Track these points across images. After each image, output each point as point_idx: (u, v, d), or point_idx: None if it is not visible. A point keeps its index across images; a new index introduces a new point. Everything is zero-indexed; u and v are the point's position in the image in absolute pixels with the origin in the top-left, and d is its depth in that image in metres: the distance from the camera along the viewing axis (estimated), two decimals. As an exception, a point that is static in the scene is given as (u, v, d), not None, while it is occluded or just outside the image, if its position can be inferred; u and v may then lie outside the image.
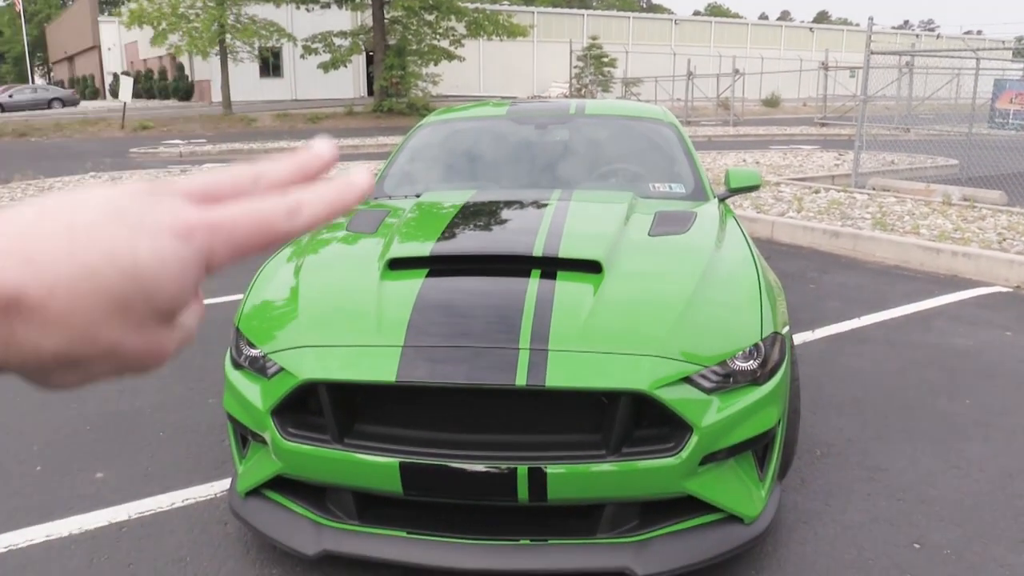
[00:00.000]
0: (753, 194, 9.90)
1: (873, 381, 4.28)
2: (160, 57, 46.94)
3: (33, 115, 33.95)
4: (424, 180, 4.09)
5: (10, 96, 39.45)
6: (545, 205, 3.33)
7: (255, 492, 2.69)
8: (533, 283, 2.60)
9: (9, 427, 3.88)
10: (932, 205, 9.14)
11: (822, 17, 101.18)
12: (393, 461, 2.33)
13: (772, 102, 38.14)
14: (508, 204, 3.46)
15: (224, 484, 3.26)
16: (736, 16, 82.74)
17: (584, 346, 2.36)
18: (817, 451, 3.46)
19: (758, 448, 2.55)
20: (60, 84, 60.53)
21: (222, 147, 19.23)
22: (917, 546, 2.77)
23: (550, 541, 2.39)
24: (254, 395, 2.57)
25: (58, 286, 0.36)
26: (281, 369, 2.50)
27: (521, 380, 2.26)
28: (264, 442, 2.57)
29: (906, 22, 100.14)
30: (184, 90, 44.76)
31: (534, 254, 2.72)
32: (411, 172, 4.18)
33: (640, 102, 6.38)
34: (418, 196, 3.76)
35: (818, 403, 3.95)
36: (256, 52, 32.52)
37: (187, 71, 44.58)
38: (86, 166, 14.44)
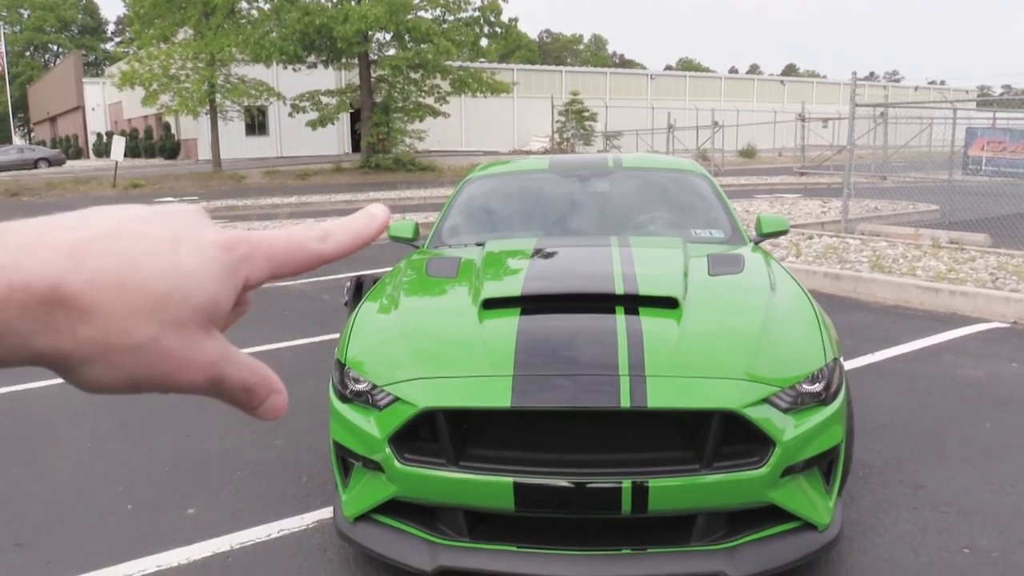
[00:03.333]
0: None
1: (897, 409, 4.59)
2: (146, 117, 47.41)
3: (20, 175, 34.10)
4: (479, 229, 4.40)
5: (-5, 157, 39.64)
6: (608, 248, 3.65)
7: (363, 517, 2.93)
8: (620, 318, 2.89)
9: (90, 472, 4.08)
10: (922, 248, 9.58)
11: (790, 70, 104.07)
12: (508, 480, 2.59)
13: (749, 153, 39.14)
14: (573, 249, 3.78)
15: (313, 516, 3.48)
16: (707, 70, 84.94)
17: (677, 372, 2.65)
18: (860, 472, 3.74)
19: (823, 464, 2.84)
20: (42, 144, 60.69)
21: (216, 204, 19.48)
22: (967, 551, 3.05)
23: (649, 550, 2.65)
24: (368, 425, 2.81)
25: (97, 279, 0.37)
26: (396, 400, 2.76)
27: (625, 402, 2.54)
28: (376, 468, 2.81)
29: (872, 73, 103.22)
30: (171, 149, 45.15)
31: (616, 292, 3.03)
32: (466, 223, 4.49)
33: (670, 156, 6.76)
34: (479, 244, 4.06)
35: (854, 437, 4.24)
36: (244, 111, 33.09)
37: (173, 130, 45.02)
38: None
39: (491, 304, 3.05)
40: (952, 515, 3.34)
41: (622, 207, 4.50)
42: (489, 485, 2.61)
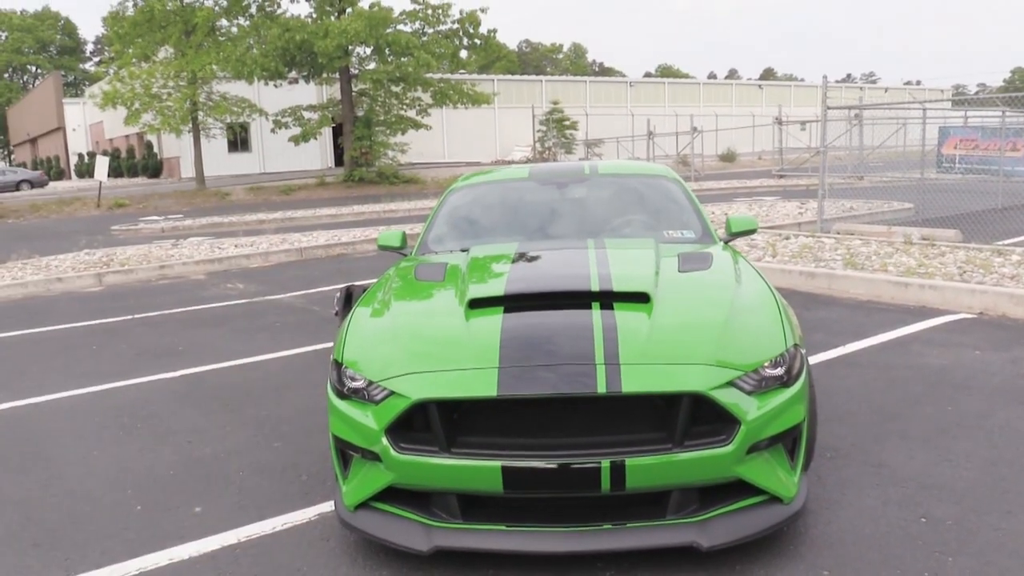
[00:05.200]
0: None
1: (864, 396, 4.85)
2: (127, 136, 47.46)
3: (3, 197, 34.11)
4: (464, 236, 4.63)
5: (-23, 180, 39.57)
6: (585, 250, 3.89)
7: (363, 505, 3.14)
8: (596, 313, 3.13)
9: (98, 477, 4.26)
10: (895, 245, 9.89)
11: (768, 74, 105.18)
12: (496, 464, 2.81)
13: (728, 157, 39.64)
14: (553, 252, 4.02)
15: (315, 510, 3.69)
16: (686, 76, 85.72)
17: (649, 359, 2.89)
18: (827, 454, 3.99)
19: (787, 441, 3.08)
20: (23, 166, 60.50)
21: (201, 221, 19.64)
22: (924, 520, 3.29)
23: (628, 525, 2.88)
24: (365, 418, 3.03)
25: None
26: (391, 394, 2.98)
27: (602, 388, 2.78)
28: (375, 458, 3.03)
29: (848, 75, 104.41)
30: (153, 167, 45.20)
31: (592, 289, 3.26)
32: (450, 230, 4.73)
33: (644, 162, 6.97)
34: (464, 251, 4.30)
35: (820, 416, 4.49)
36: (226, 128, 33.23)
37: (156, 149, 45.08)
38: (80, 243, 14.78)
39: (476, 304, 3.28)
40: (912, 489, 3.58)
41: (598, 212, 4.75)
42: (479, 469, 2.83)
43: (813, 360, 5.65)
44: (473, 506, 3.00)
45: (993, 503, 3.42)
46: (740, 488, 2.96)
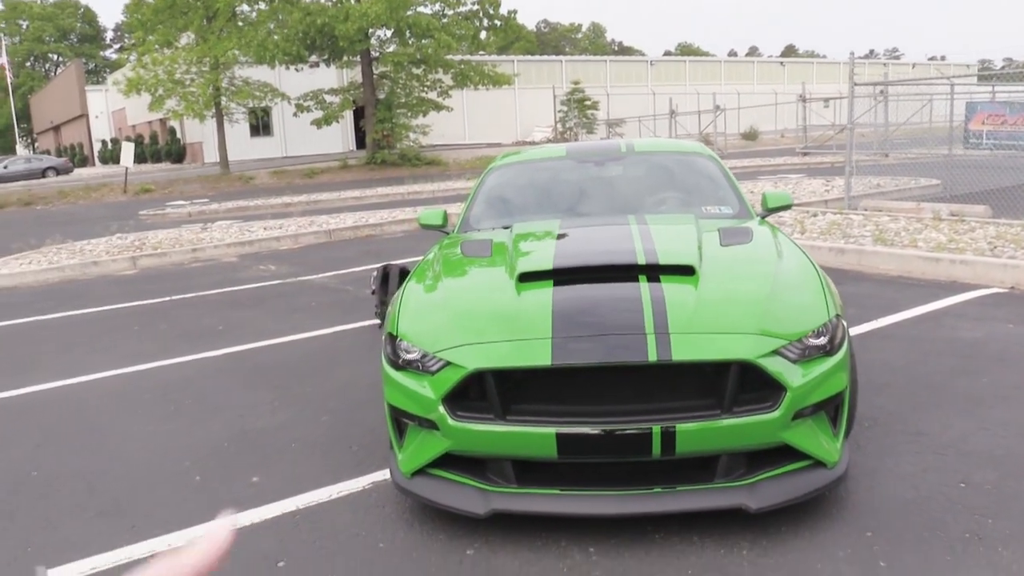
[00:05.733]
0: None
1: (900, 369, 4.91)
2: (150, 122, 47.84)
3: (30, 184, 34.55)
4: (505, 214, 4.73)
5: (4, 167, 40.08)
6: (627, 226, 3.98)
7: (419, 472, 3.27)
8: (644, 286, 3.23)
9: (155, 450, 4.43)
10: (924, 221, 9.87)
11: (790, 51, 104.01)
12: (551, 431, 2.92)
13: (751, 135, 39.35)
14: (596, 227, 4.12)
15: (366, 480, 3.82)
16: (706, 54, 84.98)
17: (697, 329, 2.99)
18: (865, 423, 4.07)
19: (830, 408, 3.17)
20: (47, 153, 61.16)
21: (227, 205, 19.87)
22: (963, 485, 3.38)
23: (678, 488, 2.99)
24: (422, 388, 3.15)
25: None
26: (447, 364, 3.10)
27: (652, 357, 2.88)
28: (431, 426, 3.15)
29: (872, 51, 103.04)
30: (176, 153, 45.57)
31: (639, 263, 3.36)
32: (491, 209, 4.83)
33: (679, 139, 6.94)
34: (506, 228, 4.40)
35: (857, 388, 4.57)
36: (248, 112, 33.43)
37: (179, 134, 45.43)
38: (111, 228, 15.02)
39: (526, 278, 3.39)
40: (951, 456, 3.66)
41: (636, 189, 4.83)
42: (534, 436, 2.95)
43: (846, 334, 5.72)
44: (527, 471, 3.12)
45: (1032, 469, 3.50)
46: (786, 453, 3.06)
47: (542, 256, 3.62)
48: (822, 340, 3.12)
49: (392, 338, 3.40)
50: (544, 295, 3.24)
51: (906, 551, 2.92)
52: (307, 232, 13.31)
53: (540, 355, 2.95)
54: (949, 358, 5.08)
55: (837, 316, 3.26)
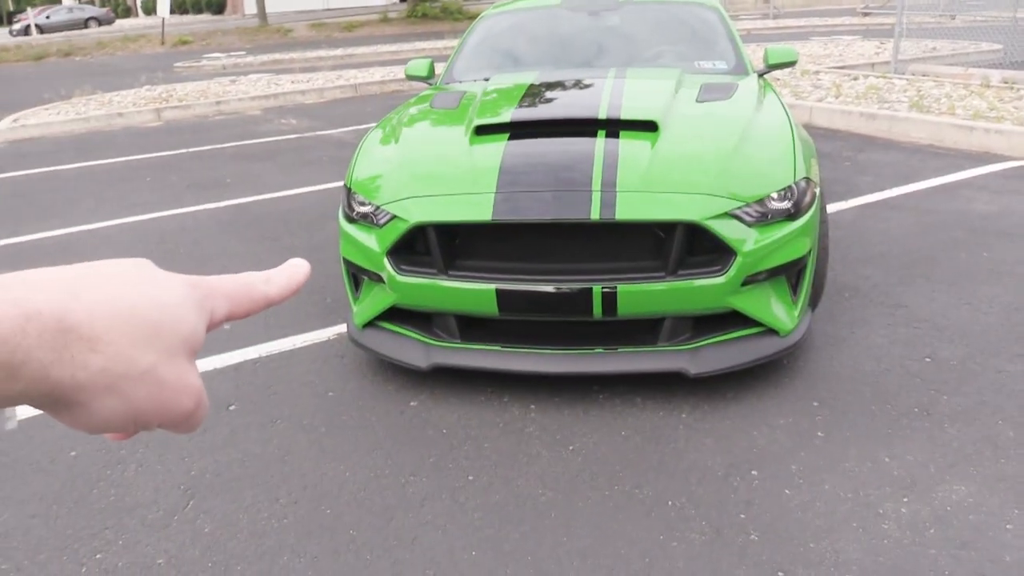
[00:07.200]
0: (792, 82, 10.12)
1: (899, 240, 4.72)
2: (190, -30, 46.70)
3: (71, 35, 34.36)
4: (490, 66, 4.52)
5: (47, 17, 39.79)
6: (603, 80, 3.77)
7: (371, 324, 3.27)
8: (600, 141, 3.07)
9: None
10: (970, 88, 9.28)
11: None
12: (490, 287, 2.87)
13: (814, -7, 36.99)
14: (570, 81, 3.90)
15: (331, 331, 3.85)
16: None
17: (646, 187, 2.85)
18: (845, 293, 3.94)
19: (791, 275, 3.04)
20: (91, 3, 60.46)
21: (263, 58, 19.53)
22: (928, 360, 3.28)
23: (620, 349, 2.94)
24: (370, 241, 3.10)
25: (95, 310, 0.40)
26: (393, 217, 3.03)
27: (595, 215, 2.77)
28: (380, 280, 3.12)
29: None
30: (217, 4, 44.70)
31: (599, 117, 3.19)
32: (477, 60, 4.61)
33: None
34: (486, 79, 4.21)
35: (848, 259, 4.42)
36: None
37: (219, -16, 44.37)
38: (140, 80, 14.94)
39: (482, 130, 3.25)
40: (923, 330, 3.54)
41: (628, 41, 4.55)
42: (475, 292, 2.90)
43: (854, 202, 5.49)
44: (472, 327, 3.09)
45: (1003, 346, 3.37)
46: (737, 319, 2.98)
47: (503, 109, 3.46)
48: (785, 204, 2.97)
49: (348, 190, 3.33)
50: (496, 149, 3.11)
51: (847, 423, 2.86)
52: (333, 86, 13.06)
53: (480, 210, 2.86)
54: (954, 231, 4.86)
55: (806, 179, 3.08)
